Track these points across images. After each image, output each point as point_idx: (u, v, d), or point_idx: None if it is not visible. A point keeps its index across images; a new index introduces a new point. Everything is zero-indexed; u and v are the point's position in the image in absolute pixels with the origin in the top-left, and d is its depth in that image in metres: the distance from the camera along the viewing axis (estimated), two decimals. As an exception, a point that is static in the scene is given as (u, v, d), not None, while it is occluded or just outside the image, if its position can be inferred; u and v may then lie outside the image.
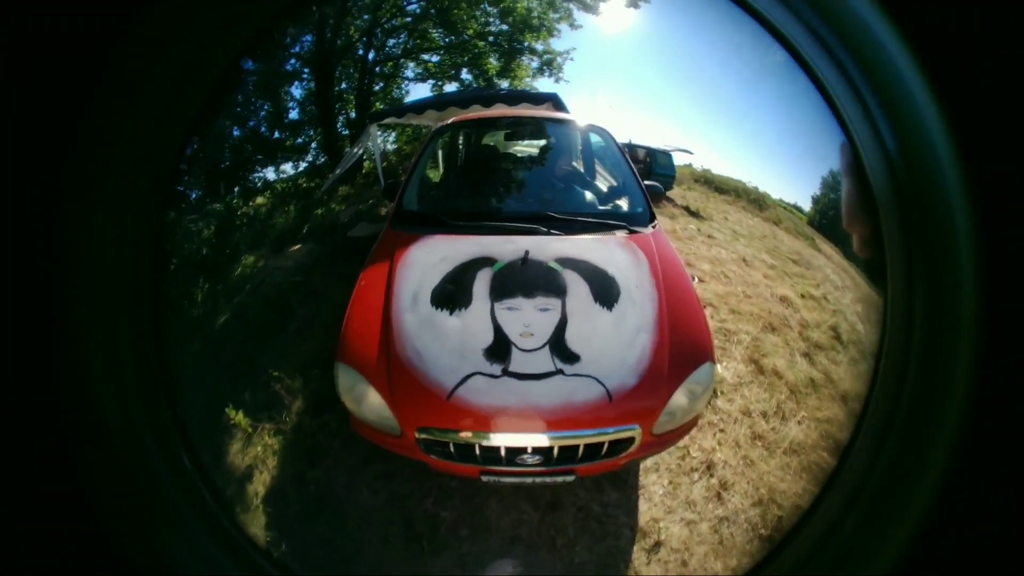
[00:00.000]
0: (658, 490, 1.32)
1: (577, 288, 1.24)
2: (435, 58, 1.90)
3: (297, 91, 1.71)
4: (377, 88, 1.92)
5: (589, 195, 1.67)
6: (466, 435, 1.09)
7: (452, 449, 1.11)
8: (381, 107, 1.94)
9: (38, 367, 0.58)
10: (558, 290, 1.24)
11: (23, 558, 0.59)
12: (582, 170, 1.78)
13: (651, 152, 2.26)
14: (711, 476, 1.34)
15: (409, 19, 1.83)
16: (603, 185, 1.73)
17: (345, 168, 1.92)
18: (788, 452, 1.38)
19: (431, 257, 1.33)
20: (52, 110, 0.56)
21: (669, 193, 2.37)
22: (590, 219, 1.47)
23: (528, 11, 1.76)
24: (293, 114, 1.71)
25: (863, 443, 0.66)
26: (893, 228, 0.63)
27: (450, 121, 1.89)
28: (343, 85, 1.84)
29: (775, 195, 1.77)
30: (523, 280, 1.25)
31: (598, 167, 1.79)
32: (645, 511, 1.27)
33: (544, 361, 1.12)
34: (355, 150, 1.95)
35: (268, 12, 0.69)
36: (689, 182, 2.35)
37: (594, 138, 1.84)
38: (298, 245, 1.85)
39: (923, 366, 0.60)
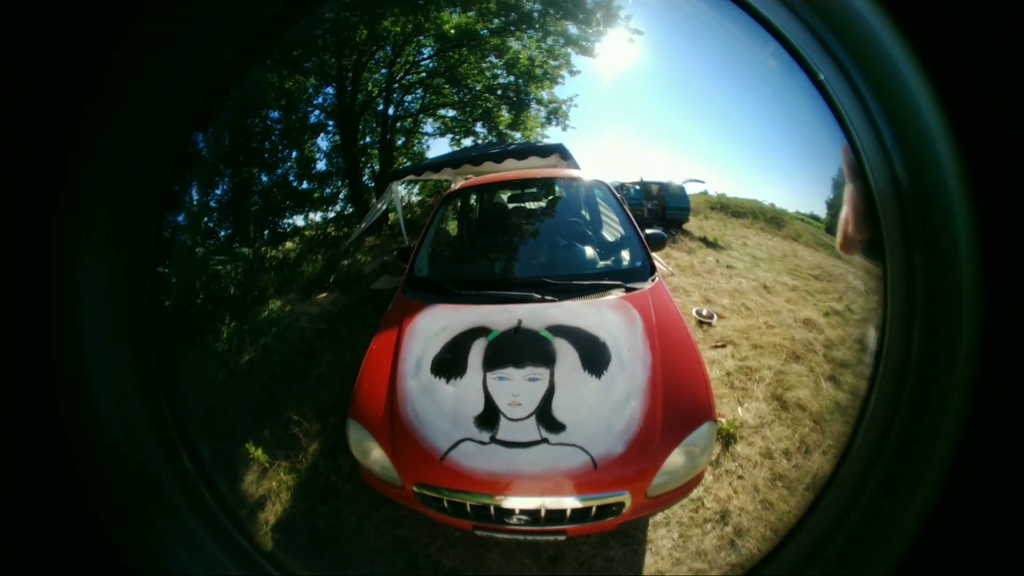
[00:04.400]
0: (667, 544, 1.17)
1: (566, 356, 1.20)
2: (451, 112, 1.91)
3: (324, 143, 1.75)
4: (400, 142, 1.95)
5: (587, 255, 1.60)
6: (457, 494, 1.08)
7: (446, 505, 1.09)
8: (401, 165, 1.96)
9: (38, 368, 0.56)
10: (547, 359, 1.20)
11: (23, 558, 0.57)
12: (582, 228, 1.70)
13: (663, 187, 2.14)
14: (725, 525, 1.16)
15: (424, 74, 1.85)
16: (602, 242, 1.65)
17: (371, 222, 1.94)
18: (810, 487, 1.19)
19: (434, 326, 1.34)
20: (52, 115, 0.55)
21: (686, 226, 2.24)
22: (586, 281, 1.41)
23: (530, 61, 1.74)
24: (321, 165, 1.75)
25: (863, 443, 0.62)
26: (895, 233, 0.59)
27: (457, 187, 1.89)
28: (367, 139, 1.87)
29: (792, 208, 1.61)
30: (514, 350, 1.23)
31: (597, 223, 1.71)
32: (651, 564, 1.13)
33: (530, 430, 1.09)
34: (379, 205, 1.97)
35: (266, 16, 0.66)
36: (705, 211, 2.21)
37: (593, 193, 1.77)
38: (324, 293, 1.86)
39: (923, 368, 0.57)
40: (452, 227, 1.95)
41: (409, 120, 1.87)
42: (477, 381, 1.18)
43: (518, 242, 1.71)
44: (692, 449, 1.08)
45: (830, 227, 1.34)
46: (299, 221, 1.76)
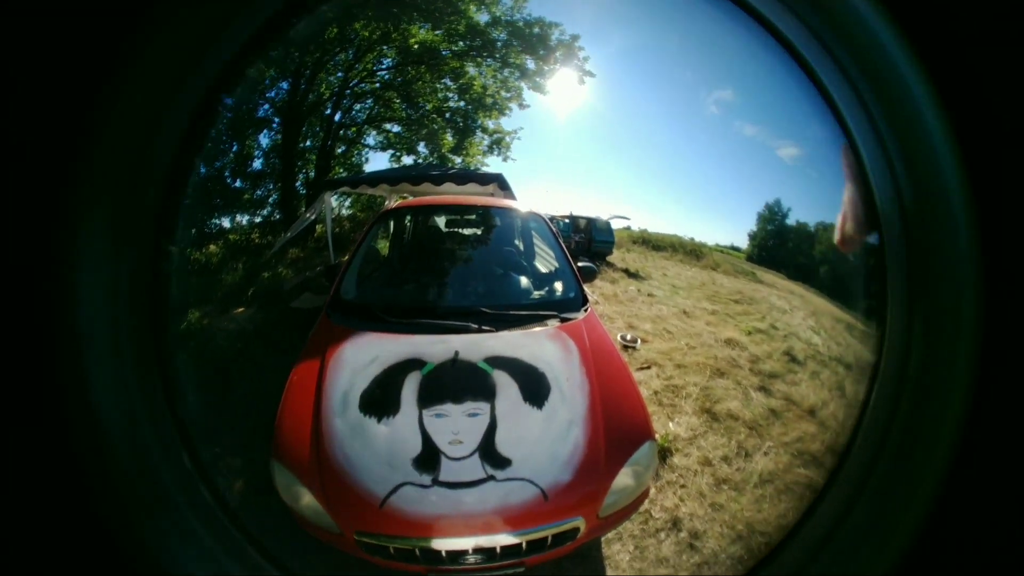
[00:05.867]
0: (624, 557, 1.16)
1: (507, 389, 1.15)
2: (396, 128, 1.83)
3: (265, 140, 1.57)
4: (340, 151, 1.82)
5: (523, 285, 1.58)
6: (404, 541, 0.99)
7: (393, 552, 1.00)
8: (337, 175, 1.82)
9: (38, 368, 0.56)
10: (487, 393, 1.14)
11: (23, 558, 0.57)
12: (518, 259, 1.69)
13: (591, 221, 2.26)
14: (679, 531, 1.17)
15: (378, 85, 1.76)
16: (538, 273, 1.65)
17: (297, 231, 1.76)
18: (760, 484, 1.25)
19: (362, 357, 1.22)
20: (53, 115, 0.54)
21: (610, 258, 2.38)
22: (523, 312, 1.37)
23: (483, 89, 1.73)
24: (257, 164, 1.56)
25: (863, 443, 0.62)
26: (894, 232, 0.59)
27: (393, 206, 1.80)
28: (308, 143, 1.72)
29: (711, 241, 1.72)
30: (452, 384, 1.15)
31: (533, 254, 1.71)
32: None
33: (474, 468, 1.03)
34: (308, 215, 1.80)
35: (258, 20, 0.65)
36: (628, 244, 2.34)
37: (530, 224, 1.76)
38: (242, 308, 1.63)
39: (924, 368, 0.57)
40: (383, 247, 1.84)
41: (354, 129, 1.76)
42: (412, 419, 1.09)
43: (454, 269, 1.64)
44: (637, 468, 1.08)
45: (750, 256, 1.51)
46: (226, 223, 1.54)
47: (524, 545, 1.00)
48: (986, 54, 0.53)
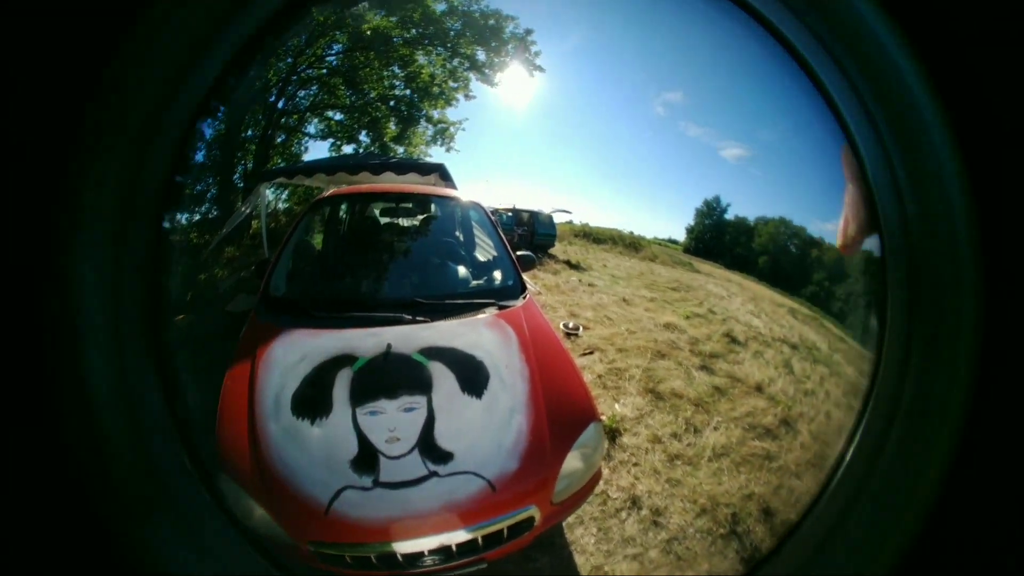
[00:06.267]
0: (589, 540, 1.19)
1: (443, 380, 1.11)
2: (338, 116, 1.71)
3: (208, 129, 1.42)
4: (280, 140, 1.68)
5: (461, 274, 1.57)
6: (357, 548, 0.97)
7: (349, 560, 0.98)
8: (272, 166, 1.68)
9: (37, 367, 0.56)
10: (423, 386, 1.10)
11: (22, 559, 0.56)
12: (456, 248, 1.67)
13: (534, 215, 2.28)
14: (640, 509, 1.24)
15: (325, 71, 1.63)
16: (476, 262, 1.63)
17: (231, 227, 1.60)
18: (714, 458, 1.32)
19: (291, 356, 1.15)
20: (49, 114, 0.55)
21: (552, 250, 2.38)
22: (459, 300, 1.36)
23: (431, 78, 1.65)
24: (199, 156, 1.39)
25: (863, 443, 0.62)
26: (895, 232, 0.59)
27: (326, 195, 1.71)
28: (249, 132, 1.57)
29: (650, 235, 1.79)
30: (385, 379, 1.11)
31: (471, 244, 1.70)
32: (583, 563, 1.13)
33: (415, 466, 1.00)
34: (244, 209, 1.65)
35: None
36: (570, 237, 2.36)
37: (469, 213, 1.74)
38: (181, 315, 1.47)
39: (924, 367, 0.57)
40: (318, 241, 1.73)
41: (296, 117, 1.63)
42: (346, 419, 1.04)
43: (388, 259, 1.59)
44: (585, 450, 1.10)
45: (687, 248, 1.56)
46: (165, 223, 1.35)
47: (480, 540, 0.98)
48: (986, 54, 0.52)
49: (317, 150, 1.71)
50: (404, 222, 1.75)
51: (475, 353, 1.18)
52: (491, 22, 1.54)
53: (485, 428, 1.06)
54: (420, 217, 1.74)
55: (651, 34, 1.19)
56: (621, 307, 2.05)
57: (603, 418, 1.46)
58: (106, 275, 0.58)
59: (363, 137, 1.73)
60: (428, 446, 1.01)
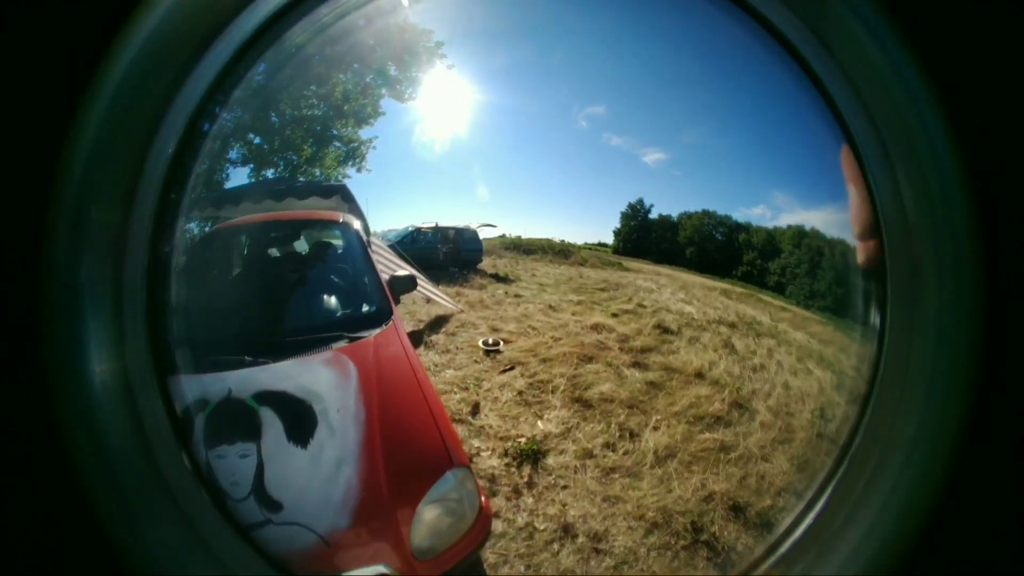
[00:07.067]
0: None
1: (271, 427, 1.08)
2: (257, 139, 1.56)
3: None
4: (204, 167, 1.45)
5: (315, 306, 1.46)
6: None
7: None
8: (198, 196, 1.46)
9: (37, 369, 0.56)
10: (253, 432, 1.07)
11: (23, 559, 0.58)
12: (319, 276, 1.55)
13: (459, 231, 2.16)
14: (575, 537, 1.04)
15: (251, 92, 1.46)
16: (338, 289, 1.52)
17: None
18: (658, 463, 1.16)
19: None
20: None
21: (480, 265, 2.32)
22: (301, 337, 1.26)
23: (344, 95, 1.54)
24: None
25: (863, 443, 0.61)
26: (896, 232, 0.59)
27: (208, 231, 1.55)
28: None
29: (580, 241, 1.78)
30: (226, 425, 1.08)
31: (336, 269, 1.58)
32: None
33: (254, 511, 0.98)
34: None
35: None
36: (500, 251, 2.26)
37: (340, 236, 1.62)
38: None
39: (924, 370, 0.56)
40: (199, 278, 1.49)
41: (218, 142, 1.45)
42: (203, 460, 0.98)
43: (248, 295, 1.46)
44: (446, 503, 1.01)
45: (616, 250, 1.56)
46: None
47: None
48: (986, 54, 0.54)
49: (237, 177, 1.55)
50: (272, 252, 1.61)
51: (305, 397, 1.10)
52: (406, 35, 1.44)
53: (311, 480, 1.01)
54: (288, 247, 1.60)
55: (576, 49, 1.28)
56: (547, 315, 1.93)
57: (521, 440, 1.30)
58: (106, 275, 0.59)
59: (281, 161, 1.58)
60: (261, 493, 0.99)
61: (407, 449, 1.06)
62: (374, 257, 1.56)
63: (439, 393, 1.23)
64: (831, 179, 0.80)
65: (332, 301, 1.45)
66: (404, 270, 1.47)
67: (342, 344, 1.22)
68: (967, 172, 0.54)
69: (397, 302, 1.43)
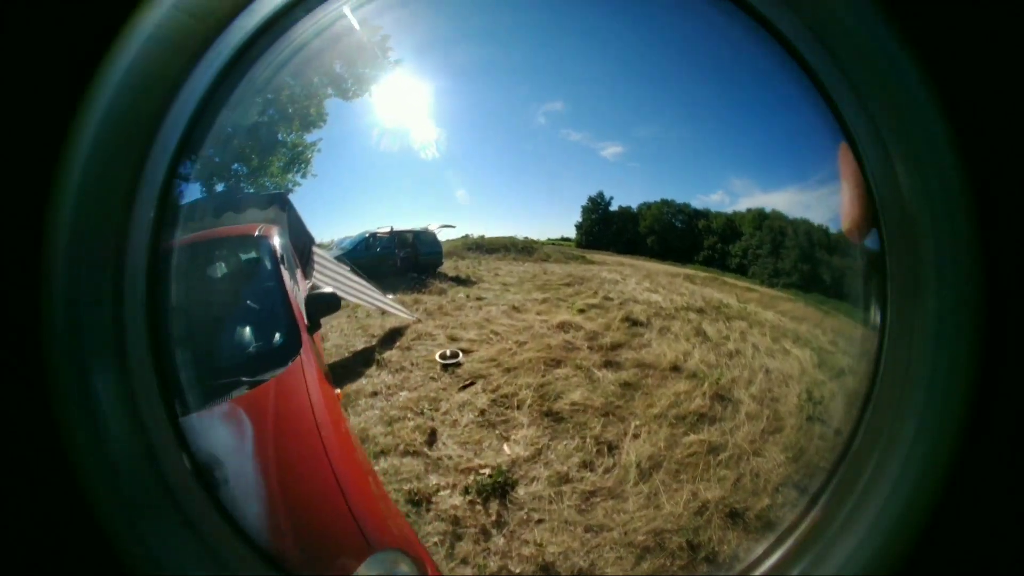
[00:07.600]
0: None
1: None
2: (210, 151, 1.32)
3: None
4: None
5: (217, 345, 1.17)
6: None
7: None
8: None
9: (37, 369, 0.55)
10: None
11: (24, 559, 0.58)
12: (225, 306, 1.26)
13: (416, 235, 1.96)
14: None
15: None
16: (245, 319, 1.25)
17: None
18: (643, 477, 1.05)
19: None
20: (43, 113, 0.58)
21: (441, 269, 2.12)
22: (207, 384, 0.99)
23: (290, 98, 1.42)
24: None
25: (863, 443, 0.60)
26: (895, 232, 0.57)
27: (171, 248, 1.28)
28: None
29: (544, 237, 1.72)
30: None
31: (246, 293, 1.31)
32: None
33: None
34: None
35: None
36: (462, 252, 2.08)
37: (251, 254, 1.35)
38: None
39: (924, 370, 0.54)
40: None
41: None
42: None
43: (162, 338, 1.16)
44: None
45: (579, 243, 1.54)
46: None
47: None
48: (986, 54, 0.54)
49: (192, 193, 1.36)
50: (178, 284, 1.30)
51: (206, 461, 0.87)
52: (355, 34, 1.30)
53: None
54: (202, 273, 1.29)
55: (533, 45, 1.29)
56: (511, 317, 1.77)
57: (485, 472, 1.13)
58: (107, 276, 0.57)
59: (233, 170, 1.37)
60: None
61: (317, 531, 0.86)
62: (316, 273, 1.33)
63: (359, 445, 1.04)
64: (793, 161, 0.87)
65: (237, 335, 1.20)
66: (327, 287, 1.25)
67: (242, 392, 1.00)
68: (967, 171, 0.53)
69: (318, 326, 1.21)
